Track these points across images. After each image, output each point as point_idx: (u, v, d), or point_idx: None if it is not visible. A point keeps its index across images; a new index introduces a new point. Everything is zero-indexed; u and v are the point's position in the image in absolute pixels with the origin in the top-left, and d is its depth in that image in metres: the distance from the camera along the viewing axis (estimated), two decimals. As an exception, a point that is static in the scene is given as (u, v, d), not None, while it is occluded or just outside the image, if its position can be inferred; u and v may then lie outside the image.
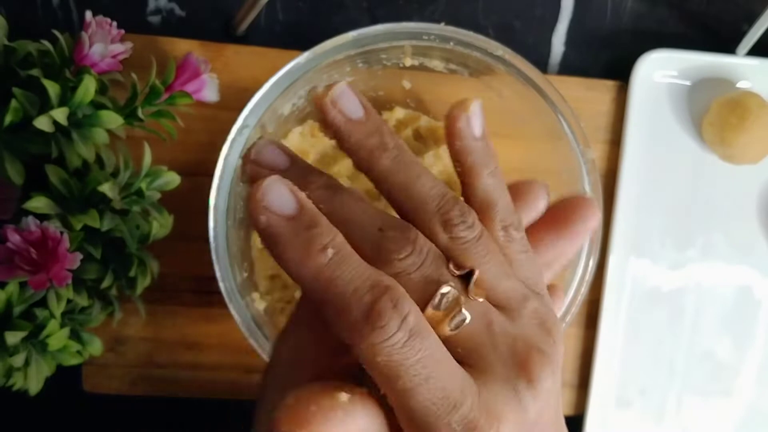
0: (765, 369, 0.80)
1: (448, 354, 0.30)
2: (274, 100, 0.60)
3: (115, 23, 0.58)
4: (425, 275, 0.31)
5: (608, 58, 0.78)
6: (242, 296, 0.60)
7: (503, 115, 0.68)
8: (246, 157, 0.36)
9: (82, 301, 0.58)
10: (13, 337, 0.56)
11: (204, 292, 0.72)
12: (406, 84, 0.70)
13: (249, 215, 0.32)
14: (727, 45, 0.78)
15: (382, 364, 0.29)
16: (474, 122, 0.39)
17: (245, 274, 0.65)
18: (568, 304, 0.63)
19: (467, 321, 0.31)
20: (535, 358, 0.31)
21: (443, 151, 0.69)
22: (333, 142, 0.70)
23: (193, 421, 0.73)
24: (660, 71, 0.76)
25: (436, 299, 0.31)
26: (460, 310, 0.31)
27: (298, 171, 0.36)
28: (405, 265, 0.31)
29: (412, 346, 0.29)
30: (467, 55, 0.62)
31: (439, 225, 0.33)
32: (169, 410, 0.73)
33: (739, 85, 0.77)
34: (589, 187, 0.63)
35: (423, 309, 0.30)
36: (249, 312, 0.60)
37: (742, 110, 0.72)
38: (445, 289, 0.31)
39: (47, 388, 0.61)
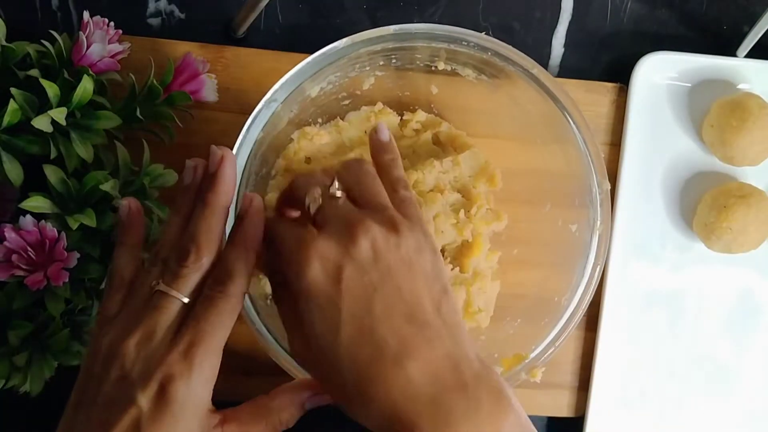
0: (765, 371, 0.80)
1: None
2: (305, 80, 0.60)
3: (112, 23, 0.58)
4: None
5: (608, 60, 0.78)
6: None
7: (524, 127, 0.68)
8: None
9: (81, 300, 0.58)
10: (15, 337, 0.56)
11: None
12: (434, 89, 0.70)
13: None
14: (727, 47, 0.78)
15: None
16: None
17: None
18: (575, 307, 0.63)
19: (317, 203, 0.49)
20: (359, 227, 0.46)
21: (462, 158, 0.69)
22: (331, 142, 0.70)
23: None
24: (660, 73, 0.76)
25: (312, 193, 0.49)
26: (317, 200, 0.49)
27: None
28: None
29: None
30: (501, 67, 0.63)
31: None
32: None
33: (739, 86, 0.77)
34: (600, 218, 0.62)
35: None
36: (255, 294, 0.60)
37: (742, 112, 0.72)
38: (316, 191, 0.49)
39: (47, 390, 0.61)
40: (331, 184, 0.50)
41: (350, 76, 0.66)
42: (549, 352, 0.63)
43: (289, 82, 0.59)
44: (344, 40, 0.59)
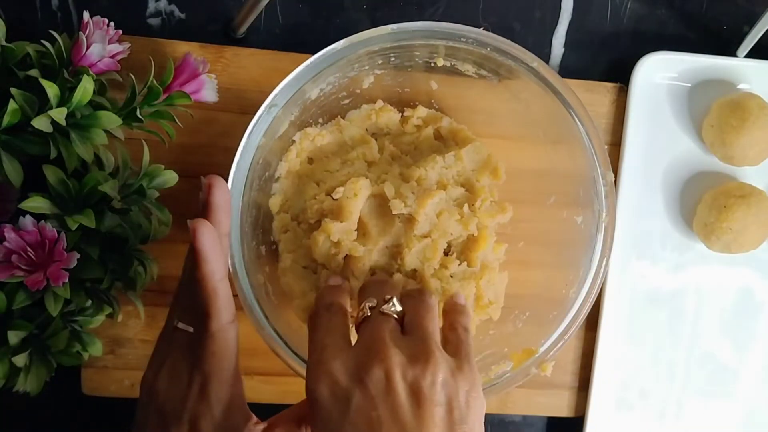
0: (765, 371, 0.80)
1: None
2: (305, 82, 0.60)
3: (112, 23, 0.58)
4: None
5: (608, 60, 0.78)
6: (249, 273, 0.61)
7: (526, 121, 0.68)
8: None
9: (81, 301, 0.58)
10: (15, 337, 0.56)
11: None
12: (434, 84, 0.70)
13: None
14: (727, 47, 0.78)
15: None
16: None
17: (262, 248, 0.66)
18: (582, 299, 0.63)
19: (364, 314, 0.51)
20: (378, 354, 0.47)
21: (464, 152, 0.69)
22: (333, 141, 0.70)
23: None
24: (660, 73, 0.76)
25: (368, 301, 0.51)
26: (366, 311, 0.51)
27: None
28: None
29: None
30: (501, 62, 0.62)
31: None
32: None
33: (739, 86, 0.77)
34: (605, 210, 0.62)
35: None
36: (252, 288, 0.61)
37: (742, 112, 0.72)
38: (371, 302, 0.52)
39: (47, 391, 0.61)
40: (389, 301, 0.50)
41: (350, 75, 0.66)
42: (558, 346, 0.63)
43: (289, 85, 0.59)
44: (343, 41, 0.59)
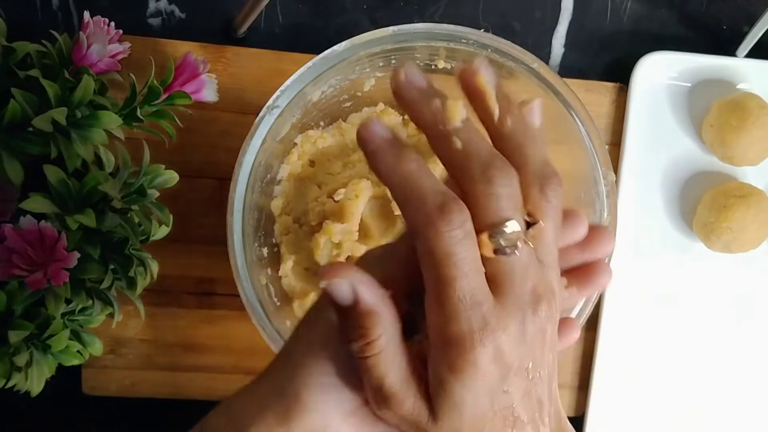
0: (765, 371, 0.80)
1: (482, 267, 0.36)
2: (306, 84, 0.60)
3: (113, 23, 0.58)
4: (503, 206, 0.36)
5: (608, 60, 0.78)
6: (251, 274, 0.61)
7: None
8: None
9: (81, 300, 0.58)
10: (15, 336, 0.56)
11: (204, 294, 0.72)
12: None
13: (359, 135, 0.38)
14: (727, 46, 0.78)
15: (438, 250, 0.34)
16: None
17: (264, 250, 0.66)
18: (582, 305, 0.63)
19: (516, 254, 0.36)
20: (545, 299, 0.36)
21: None
22: (334, 144, 0.70)
23: (192, 423, 0.73)
24: (660, 73, 0.76)
25: (500, 228, 0.36)
26: (515, 245, 0.36)
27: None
28: (498, 190, 0.36)
29: (464, 245, 0.34)
30: (501, 63, 0.63)
31: (537, 185, 0.39)
32: (169, 412, 0.73)
33: (739, 86, 0.77)
34: (607, 210, 0.62)
35: (484, 230, 0.36)
36: (254, 290, 0.60)
37: (742, 111, 0.72)
38: (512, 224, 0.36)
39: (47, 391, 0.61)
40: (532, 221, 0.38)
41: (351, 78, 0.66)
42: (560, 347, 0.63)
43: (291, 87, 0.59)
44: (343, 43, 0.59)
